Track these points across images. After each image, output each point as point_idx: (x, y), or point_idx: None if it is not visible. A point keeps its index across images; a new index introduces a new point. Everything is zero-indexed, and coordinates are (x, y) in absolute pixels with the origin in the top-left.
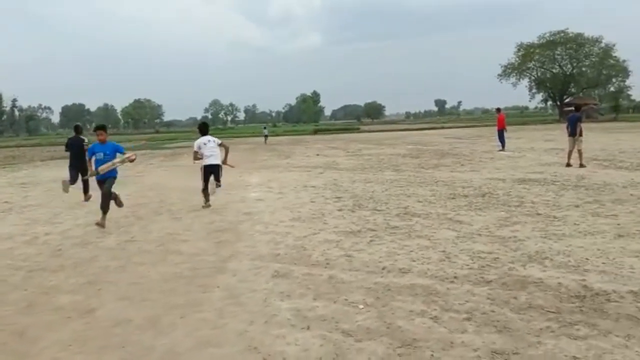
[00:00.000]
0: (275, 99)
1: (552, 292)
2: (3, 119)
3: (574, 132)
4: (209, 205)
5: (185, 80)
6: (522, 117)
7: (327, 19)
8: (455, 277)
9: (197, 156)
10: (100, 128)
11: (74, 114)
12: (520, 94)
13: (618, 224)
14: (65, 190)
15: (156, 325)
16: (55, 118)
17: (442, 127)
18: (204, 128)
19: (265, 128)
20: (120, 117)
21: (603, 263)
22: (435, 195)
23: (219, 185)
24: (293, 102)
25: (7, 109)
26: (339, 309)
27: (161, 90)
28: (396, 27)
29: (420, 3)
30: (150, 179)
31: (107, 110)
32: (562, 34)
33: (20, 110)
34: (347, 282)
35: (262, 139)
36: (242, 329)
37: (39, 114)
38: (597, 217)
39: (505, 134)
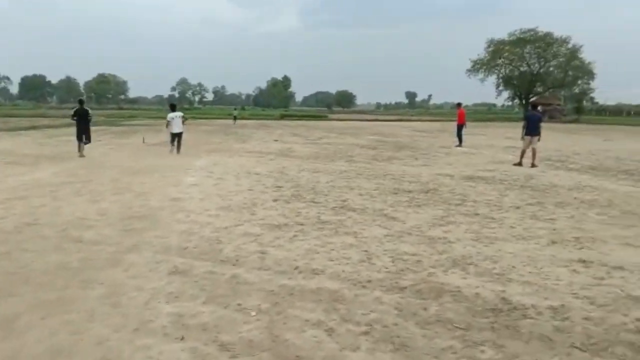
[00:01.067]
0: (246, 82)
1: (467, 303)
2: None
3: (533, 132)
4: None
5: (153, 57)
6: (489, 113)
7: (305, 1)
8: (368, 282)
9: (167, 125)
10: None
11: (34, 85)
12: (490, 91)
13: (554, 229)
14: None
15: (10, 326)
16: (14, 89)
17: (409, 120)
18: (173, 107)
19: (235, 109)
20: (83, 91)
21: (529, 272)
22: (378, 189)
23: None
24: (264, 85)
25: None
26: (226, 316)
27: (127, 65)
28: (374, 14)
29: None
30: (92, 156)
31: (69, 83)
32: (532, 32)
33: None
34: (249, 283)
35: (230, 121)
36: (104, 336)
37: None
38: (535, 221)
39: (464, 130)
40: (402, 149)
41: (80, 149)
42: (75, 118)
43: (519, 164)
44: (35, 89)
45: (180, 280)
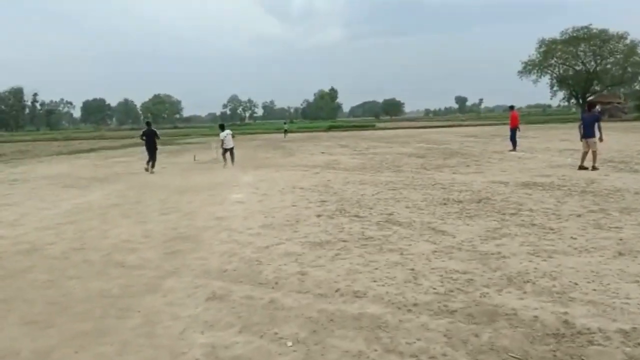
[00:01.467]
0: (294, 95)
1: (524, 328)
2: (26, 112)
3: (588, 134)
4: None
5: (205, 77)
6: (544, 115)
7: (349, 13)
8: (414, 305)
9: (222, 144)
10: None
11: (94, 109)
12: (544, 92)
13: (620, 239)
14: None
15: None
16: (77, 112)
17: (460, 125)
18: (222, 127)
19: (285, 123)
20: (140, 112)
21: (594, 290)
22: (426, 200)
23: (233, 158)
24: (311, 98)
25: (28, 103)
26: (261, 347)
27: (181, 86)
28: (418, 22)
29: None
30: (142, 178)
31: (127, 105)
32: (586, 30)
33: (42, 104)
34: (287, 308)
35: (281, 135)
36: None
37: (60, 109)
38: (598, 230)
39: (518, 133)
40: (452, 156)
41: (148, 167)
42: (143, 138)
43: (582, 167)
44: (95, 112)
45: (217, 307)
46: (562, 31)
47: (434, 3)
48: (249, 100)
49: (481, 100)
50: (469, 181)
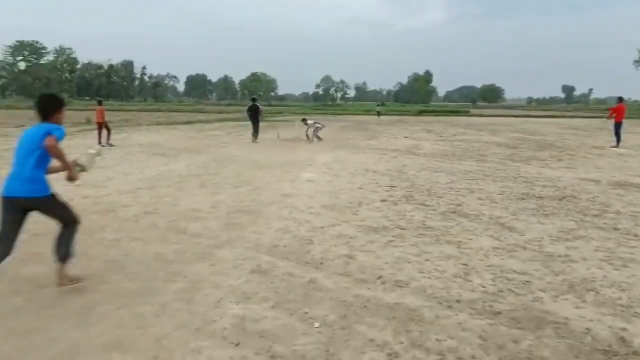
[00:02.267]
0: (388, 78)
1: (572, 340)
2: (135, 84)
3: None
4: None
5: (301, 57)
6: None
7: None
8: (457, 302)
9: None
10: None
11: (197, 84)
12: None
13: None
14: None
15: (85, 314)
16: (181, 87)
17: (563, 116)
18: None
19: (379, 105)
20: (238, 89)
21: None
22: (504, 194)
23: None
24: (405, 81)
25: (138, 76)
26: (289, 325)
27: (278, 65)
28: (524, 3)
29: None
30: (227, 151)
31: (226, 82)
32: None
33: (150, 77)
34: (325, 290)
35: (370, 117)
36: (165, 334)
37: (166, 82)
38: None
39: (622, 128)
40: (545, 148)
41: (253, 138)
42: (249, 113)
43: None
44: (198, 87)
45: (258, 281)
46: None
47: None
48: (342, 82)
49: (591, 91)
50: (557, 177)
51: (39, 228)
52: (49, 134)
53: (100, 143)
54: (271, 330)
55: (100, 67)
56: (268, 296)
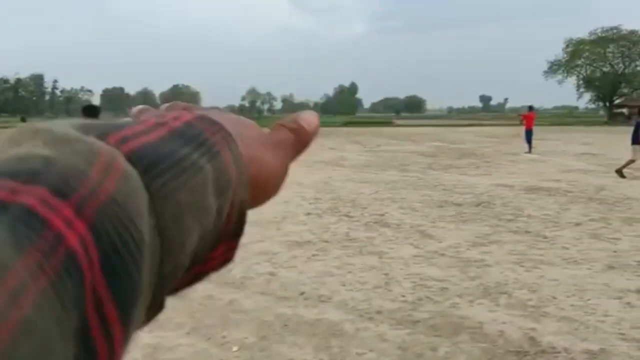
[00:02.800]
0: (314, 89)
1: (486, 344)
2: (46, 99)
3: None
4: None
5: (225, 68)
6: (569, 117)
7: (374, 7)
8: (377, 313)
9: None
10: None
11: (113, 97)
12: (571, 93)
13: (615, 251)
14: None
15: None
16: (96, 100)
17: (481, 125)
18: None
19: None
20: (158, 102)
21: (571, 305)
22: (423, 202)
23: None
24: (331, 92)
25: (48, 89)
26: (205, 351)
27: (201, 77)
28: (443, 17)
29: None
30: None
31: (145, 95)
32: (615, 31)
33: (62, 91)
34: (244, 310)
35: None
36: None
37: (80, 96)
38: (594, 240)
39: (532, 135)
40: (464, 156)
41: None
42: None
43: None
44: (115, 101)
45: (173, 306)
46: (591, 31)
47: None
48: (268, 93)
49: (506, 100)
50: (474, 183)
51: None
52: None
53: None
54: (185, 358)
55: (6, 81)
56: (183, 321)
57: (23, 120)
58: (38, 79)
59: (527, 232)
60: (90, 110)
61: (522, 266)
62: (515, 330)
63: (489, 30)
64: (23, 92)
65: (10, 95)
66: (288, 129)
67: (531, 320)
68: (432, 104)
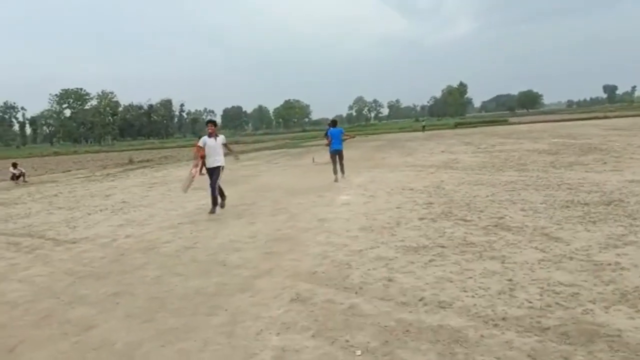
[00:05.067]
0: (421, 93)
1: (626, 352)
2: (174, 122)
3: None
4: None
5: (333, 80)
6: None
7: (479, 3)
8: (503, 319)
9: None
10: (209, 122)
11: (233, 116)
12: None
13: None
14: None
15: (130, 353)
16: (218, 120)
17: (606, 117)
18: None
19: (423, 120)
20: (272, 117)
21: None
22: (546, 203)
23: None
24: (439, 94)
25: (177, 113)
26: (330, 353)
27: (310, 90)
28: (555, 4)
29: None
30: (263, 179)
31: (260, 111)
32: None
33: (188, 114)
34: (365, 315)
35: (418, 132)
36: None
37: (204, 117)
38: None
39: None
40: (589, 152)
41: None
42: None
43: None
44: (234, 119)
45: (298, 309)
46: None
47: None
48: (374, 101)
49: (634, 88)
50: (602, 181)
51: (85, 270)
52: None
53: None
54: None
55: (141, 107)
56: (308, 325)
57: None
58: (167, 103)
59: None
60: (212, 122)
61: None
62: None
63: (610, 14)
64: (155, 117)
65: (145, 120)
66: None
67: None
68: (549, 98)
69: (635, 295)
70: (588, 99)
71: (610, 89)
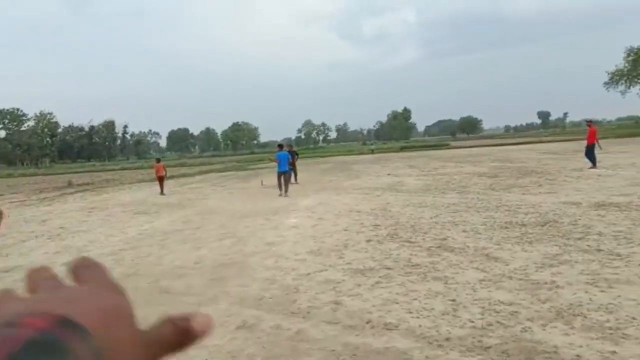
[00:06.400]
0: (368, 117)
1: None
2: (117, 144)
3: None
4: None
5: (281, 103)
6: (637, 128)
7: (422, 33)
8: (446, 340)
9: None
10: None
11: (179, 138)
12: (635, 103)
13: None
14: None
15: None
16: (163, 142)
17: (541, 142)
18: (280, 147)
19: (372, 144)
20: (220, 139)
21: None
22: (486, 224)
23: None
24: (385, 119)
25: (119, 134)
26: None
27: (258, 113)
28: (493, 37)
29: (519, 7)
30: (209, 203)
31: (208, 134)
32: None
33: (131, 135)
34: (312, 340)
35: (351, 157)
36: None
37: (148, 139)
38: None
39: (597, 150)
40: (525, 175)
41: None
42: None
43: None
44: (180, 141)
45: (244, 337)
46: None
47: (512, 18)
48: (323, 124)
49: (566, 115)
50: (538, 202)
51: None
52: None
53: (162, 193)
54: None
55: (81, 129)
56: (254, 352)
57: (158, 160)
58: (110, 125)
59: (599, 250)
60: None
61: (597, 286)
62: (593, 354)
63: (543, 46)
64: (96, 138)
65: (85, 142)
66: (174, 326)
67: (610, 343)
68: (488, 123)
69: (569, 312)
70: (524, 124)
71: (544, 115)
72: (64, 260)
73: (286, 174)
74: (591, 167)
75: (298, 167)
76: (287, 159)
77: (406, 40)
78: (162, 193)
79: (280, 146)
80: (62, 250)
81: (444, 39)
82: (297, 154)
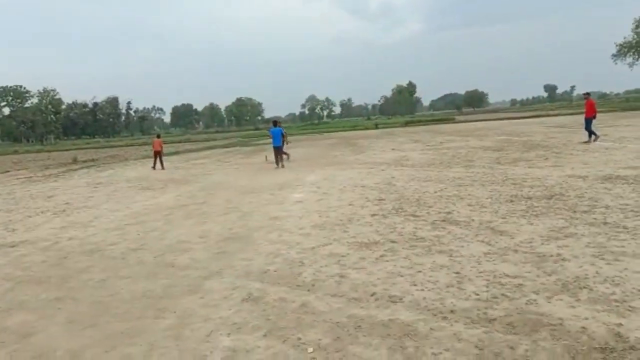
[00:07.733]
0: (372, 92)
1: (568, 340)
2: (121, 120)
3: None
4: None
5: (285, 79)
6: None
7: (428, 5)
8: (451, 312)
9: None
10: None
11: (183, 114)
12: None
13: None
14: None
15: None
16: (167, 118)
17: (547, 115)
18: (275, 123)
19: (376, 119)
20: (224, 115)
21: None
22: (492, 198)
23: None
24: (389, 94)
25: (123, 111)
26: (281, 352)
27: (262, 89)
28: (502, 9)
29: None
30: (214, 178)
31: (212, 109)
32: None
33: (135, 112)
34: (317, 312)
35: (352, 132)
36: None
37: (152, 115)
38: None
39: (594, 122)
40: (531, 148)
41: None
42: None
43: None
44: (184, 117)
45: (249, 309)
46: None
47: None
48: (327, 99)
49: (573, 88)
50: (544, 176)
51: (25, 275)
52: None
53: (154, 167)
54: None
55: (85, 105)
56: (259, 324)
57: (158, 136)
58: (113, 101)
59: (605, 223)
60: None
61: (603, 259)
62: (599, 326)
63: (549, 19)
64: (101, 115)
65: (89, 119)
66: None
67: (616, 316)
68: (494, 97)
69: (575, 285)
70: (530, 97)
71: (550, 89)
72: (69, 235)
73: (279, 148)
74: (586, 142)
75: (303, 143)
76: (280, 134)
77: (412, 12)
78: (153, 167)
79: (275, 122)
80: (67, 226)
81: (449, 12)
82: (285, 133)
